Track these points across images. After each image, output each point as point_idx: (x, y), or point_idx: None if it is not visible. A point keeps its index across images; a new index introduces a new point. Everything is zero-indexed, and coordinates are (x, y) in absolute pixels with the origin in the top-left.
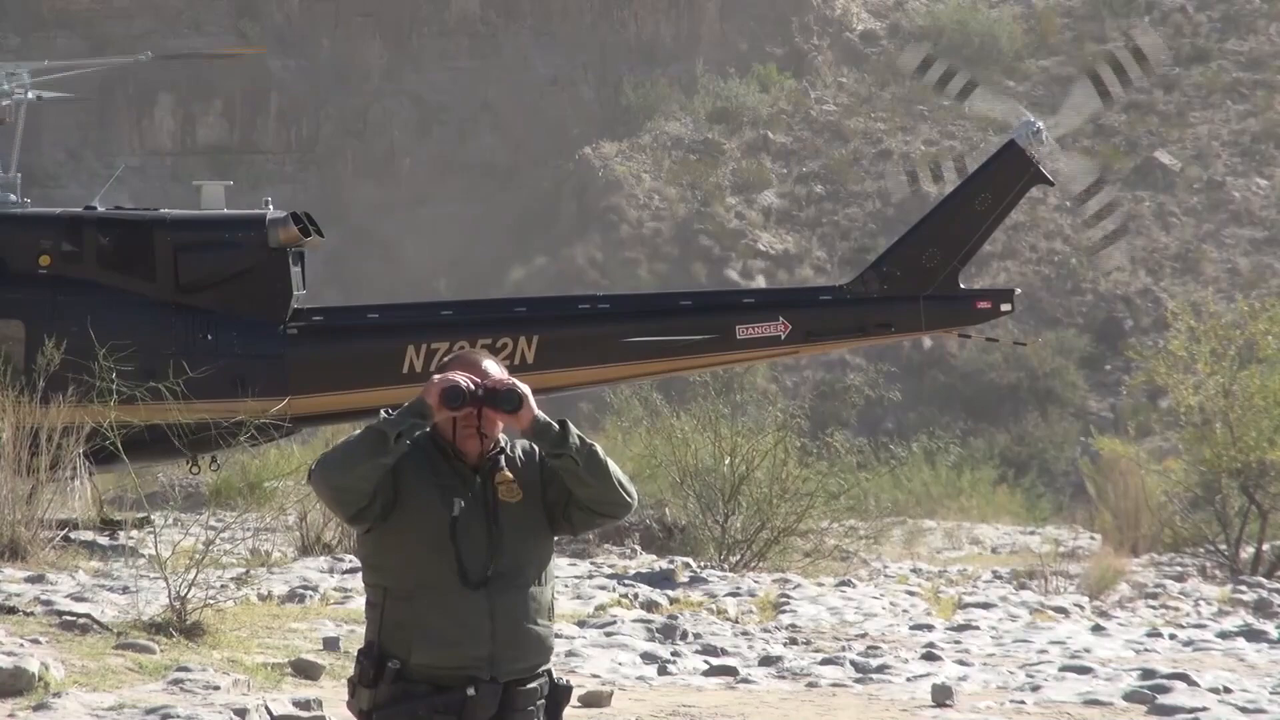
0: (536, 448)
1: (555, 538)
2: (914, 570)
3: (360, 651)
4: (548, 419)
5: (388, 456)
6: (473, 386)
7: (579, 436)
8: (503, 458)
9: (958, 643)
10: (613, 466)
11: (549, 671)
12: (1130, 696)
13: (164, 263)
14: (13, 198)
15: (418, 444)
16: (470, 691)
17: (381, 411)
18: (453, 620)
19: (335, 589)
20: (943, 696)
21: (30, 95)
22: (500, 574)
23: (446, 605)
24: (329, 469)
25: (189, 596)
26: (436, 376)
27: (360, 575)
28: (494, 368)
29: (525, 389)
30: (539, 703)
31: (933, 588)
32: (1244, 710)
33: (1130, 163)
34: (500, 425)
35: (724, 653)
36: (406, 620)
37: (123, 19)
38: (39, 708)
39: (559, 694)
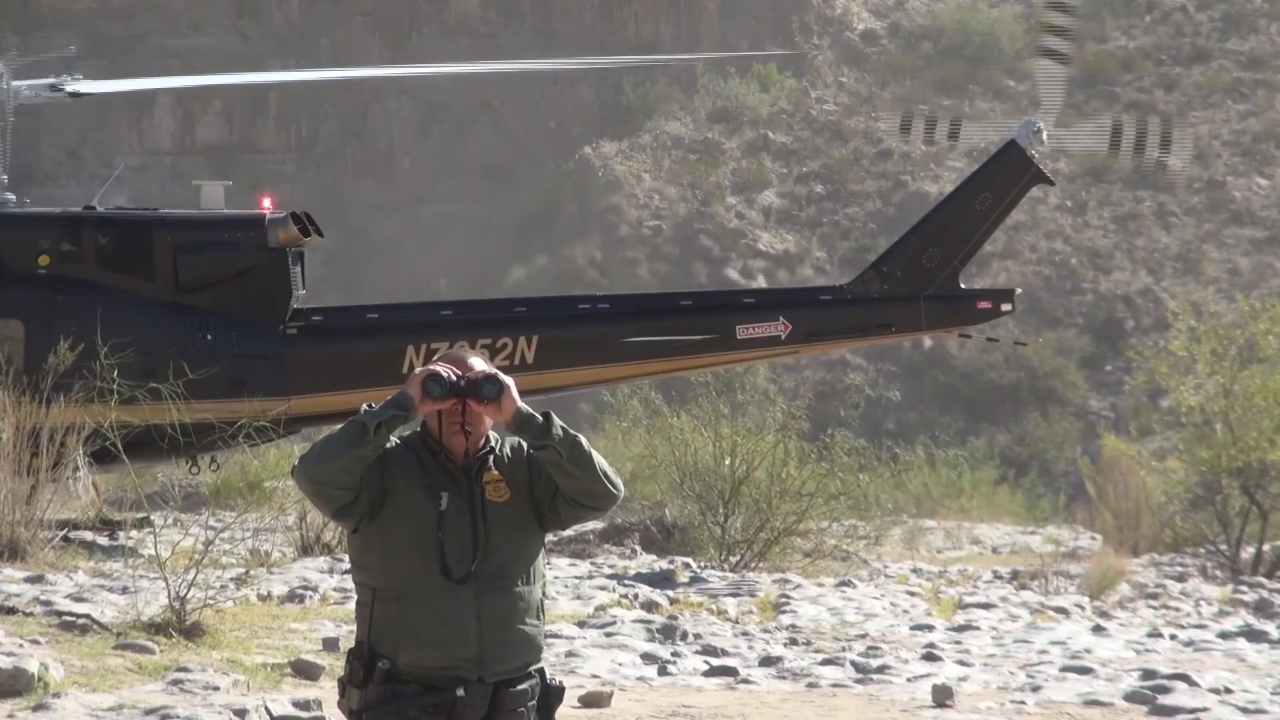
0: (525, 446)
1: (547, 535)
2: (914, 570)
3: (350, 651)
4: (530, 410)
5: (368, 448)
6: (454, 377)
7: (562, 427)
8: (491, 457)
9: (958, 643)
10: (597, 458)
11: (541, 671)
12: (1131, 697)
13: (163, 263)
14: (10, 197)
15: (409, 445)
16: (460, 692)
17: (363, 405)
18: (439, 620)
19: (335, 589)
20: (943, 697)
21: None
22: (486, 574)
23: (433, 605)
24: (310, 463)
25: (188, 597)
26: (419, 369)
27: None
28: (479, 363)
29: (507, 379)
30: (530, 704)
31: (933, 588)
32: (1245, 711)
33: (1131, 162)
34: (487, 422)
35: (724, 653)
36: (394, 620)
37: (123, 19)
38: (38, 708)
39: (551, 694)
